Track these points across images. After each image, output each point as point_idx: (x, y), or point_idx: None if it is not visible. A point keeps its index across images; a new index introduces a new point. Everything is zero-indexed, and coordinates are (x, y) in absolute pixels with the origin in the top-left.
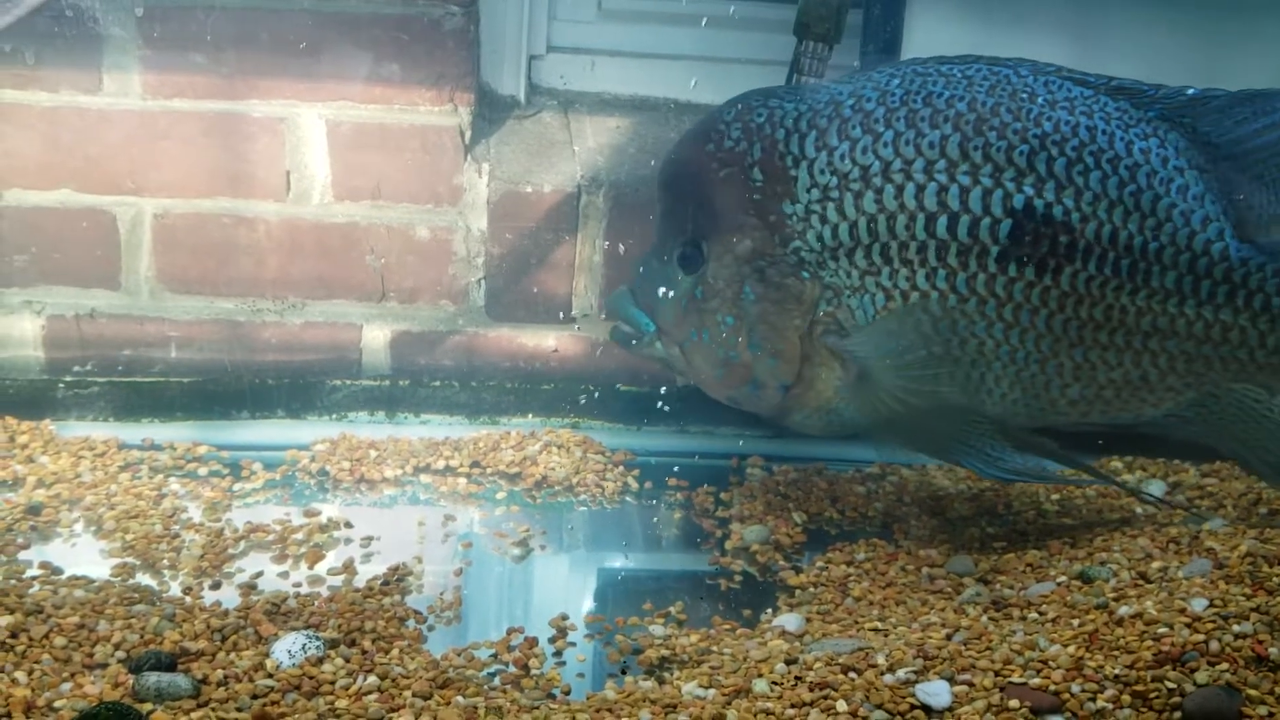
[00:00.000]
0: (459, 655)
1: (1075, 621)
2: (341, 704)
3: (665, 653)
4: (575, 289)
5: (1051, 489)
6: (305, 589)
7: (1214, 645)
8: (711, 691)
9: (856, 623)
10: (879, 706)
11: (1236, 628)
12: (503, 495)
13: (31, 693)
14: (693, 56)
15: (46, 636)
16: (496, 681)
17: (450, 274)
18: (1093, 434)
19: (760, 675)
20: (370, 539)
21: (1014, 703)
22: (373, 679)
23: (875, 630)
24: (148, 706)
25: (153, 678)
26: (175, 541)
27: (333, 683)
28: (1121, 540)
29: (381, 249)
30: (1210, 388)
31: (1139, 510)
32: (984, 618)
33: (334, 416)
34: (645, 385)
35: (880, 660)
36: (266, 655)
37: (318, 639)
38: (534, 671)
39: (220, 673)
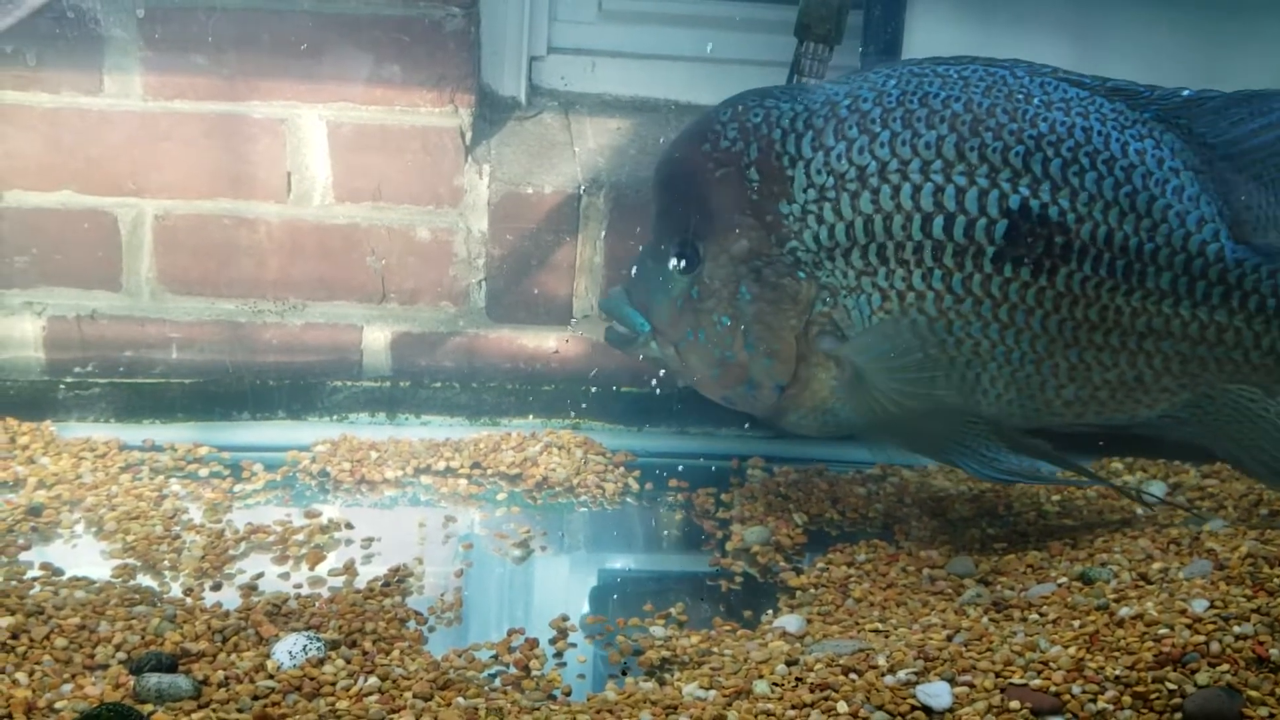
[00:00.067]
0: (460, 656)
1: (1076, 623)
2: (342, 705)
3: (666, 654)
4: (576, 290)
5: (1052, 490)
6: (306, 590)
7: (1215, 646)
8: (712, 693)
9: (857, 624)
10: (880, 708)
11: (1237, 629)
12: (503, 496)
13: (32, 694)
14: (693, 58)
15: (47, 638)
16: (497, 683)
17: (451, 275)
18: (1093, 435)
19: (761, 676)
20: (371, 540)
21: (1015, 704)
22: (373, 680)
23: (876, 631)
24: (148, 708)
25: (153, 679)
26: (176, 542)
27: (333, 684)
28: (1122, 541)
29: (382, 250)
30: (1205, 389)
31: (1139, 511)
32: (985, 619)
33: (335, 418)
34: (645, 387)
35: (881, 661)
36: (267, 656)
37: (318, 640)
38: (535, 673)
39: (221, 674)
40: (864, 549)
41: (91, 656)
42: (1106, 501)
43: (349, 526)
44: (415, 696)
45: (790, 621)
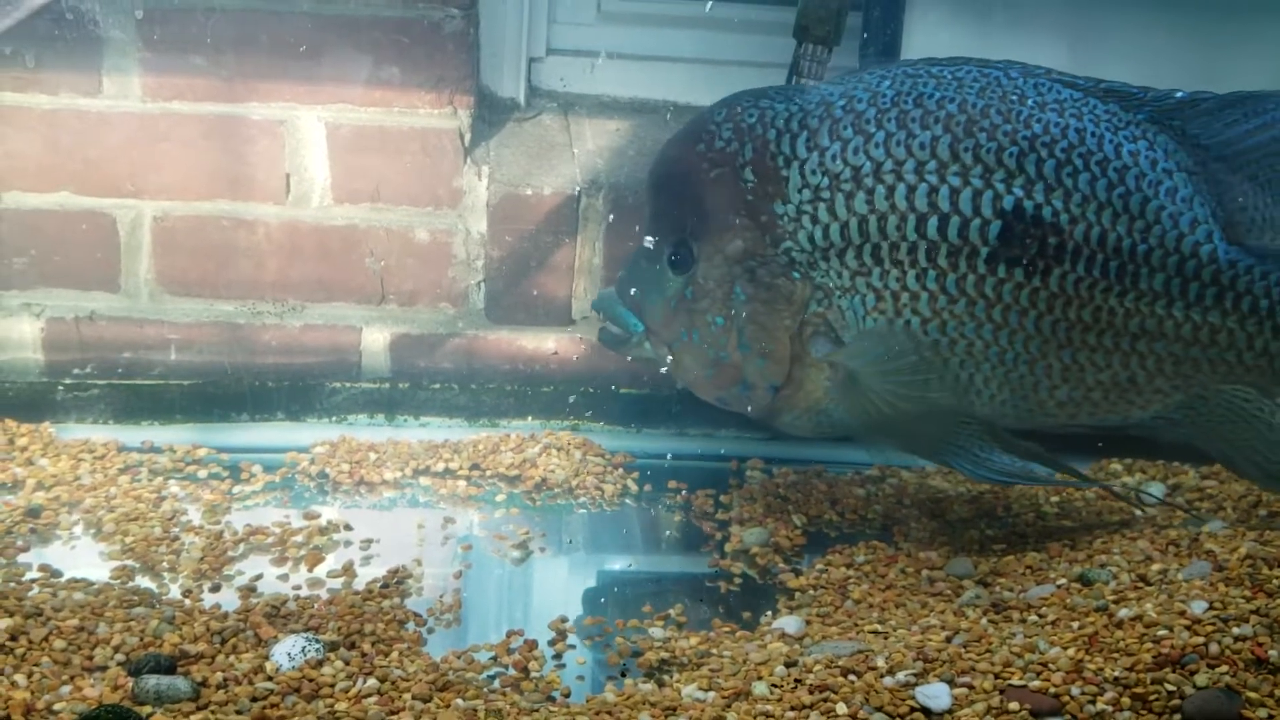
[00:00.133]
0: (459, 658)
1: (1075, 624)
2: (341, 707)
3: (665, 655)
4: (575, 291)
5: (1051, 491)
6: (305, 591)
7: (1214, 648)
8: (711, 694)
9: (856, 625)
10: (879, 709)
11: (1236, 630)
12: (502, 498)
13: (31, 695)
14: (692, 59)
15: (46, 639)
16: (496, 684)
17: (450, 276)
18: (1090, 436)
19: (760, 678)
20: (370, 541)
21: (1014, 705)
22: (372, 681)
23: (875, 633)
24: (147, 709)
25: (152, 680)
26: (175, 544)
27: (332, 685)
28: (1121, 543)
29: (381, 251)
30: (1198, 389)
31: (1138, 512)
32: (984, 620)
33: (333, 419)
34: (645, 388)
35: (880, 663)
36: (266, 658)
37: (317, 641)
38: (534, 674)
39: (220, 675)
40: (863, 550)
41: (90, 658)
42: (1105, 503)
43: (348, 528)
44: (414, 698)
45: (789, 623)
